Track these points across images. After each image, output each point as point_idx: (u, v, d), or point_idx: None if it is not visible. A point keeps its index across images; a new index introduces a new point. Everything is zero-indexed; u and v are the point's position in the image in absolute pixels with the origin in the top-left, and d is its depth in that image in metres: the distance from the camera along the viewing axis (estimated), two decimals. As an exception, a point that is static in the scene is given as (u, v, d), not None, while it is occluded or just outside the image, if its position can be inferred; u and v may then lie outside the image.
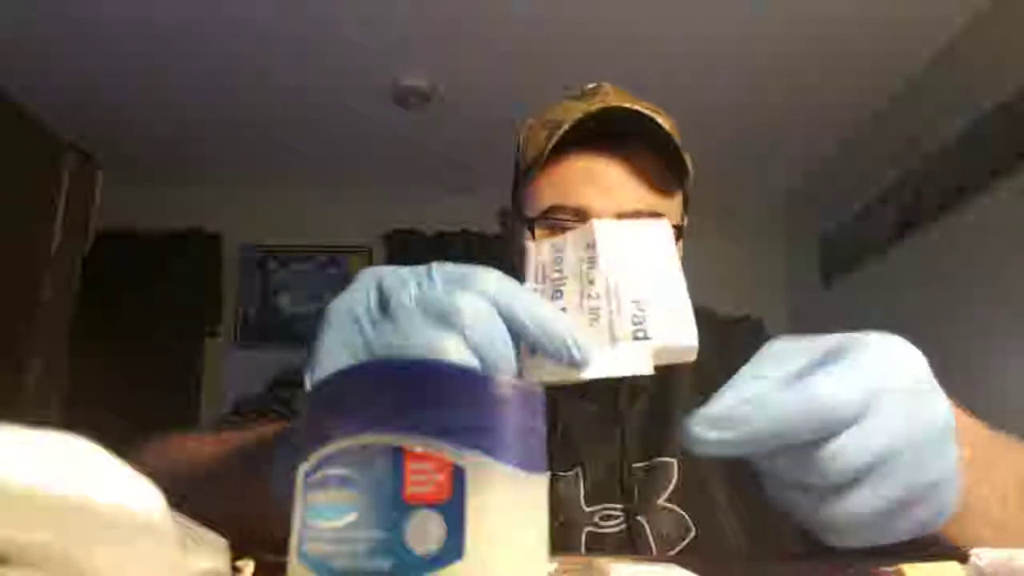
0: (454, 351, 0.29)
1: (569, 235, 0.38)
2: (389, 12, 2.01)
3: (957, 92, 2.01)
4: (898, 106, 2.34)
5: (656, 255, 0.35)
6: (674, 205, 0.66)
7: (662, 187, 0.64)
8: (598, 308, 0.33)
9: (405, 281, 0.33)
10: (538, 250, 0.38)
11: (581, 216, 0.62)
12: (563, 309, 0.34)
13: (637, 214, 0.61)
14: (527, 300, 0.31)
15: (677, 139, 0.63)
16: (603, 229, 0.37)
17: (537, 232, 0.63)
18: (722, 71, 2.24)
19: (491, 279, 0.31)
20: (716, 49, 2.14)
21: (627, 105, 0.61)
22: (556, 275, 0.35)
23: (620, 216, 0.61)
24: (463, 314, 0.30)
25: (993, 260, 1.85)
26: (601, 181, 0.63)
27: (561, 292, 0.34)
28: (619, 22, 2.03)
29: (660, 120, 0.61)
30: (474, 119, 2.47)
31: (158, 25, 2.05)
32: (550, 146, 0.62)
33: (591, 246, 0.36)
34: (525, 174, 0.67)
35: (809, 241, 2.90)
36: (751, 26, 2.03)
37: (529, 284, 0.36)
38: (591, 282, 0.34)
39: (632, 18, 2.01)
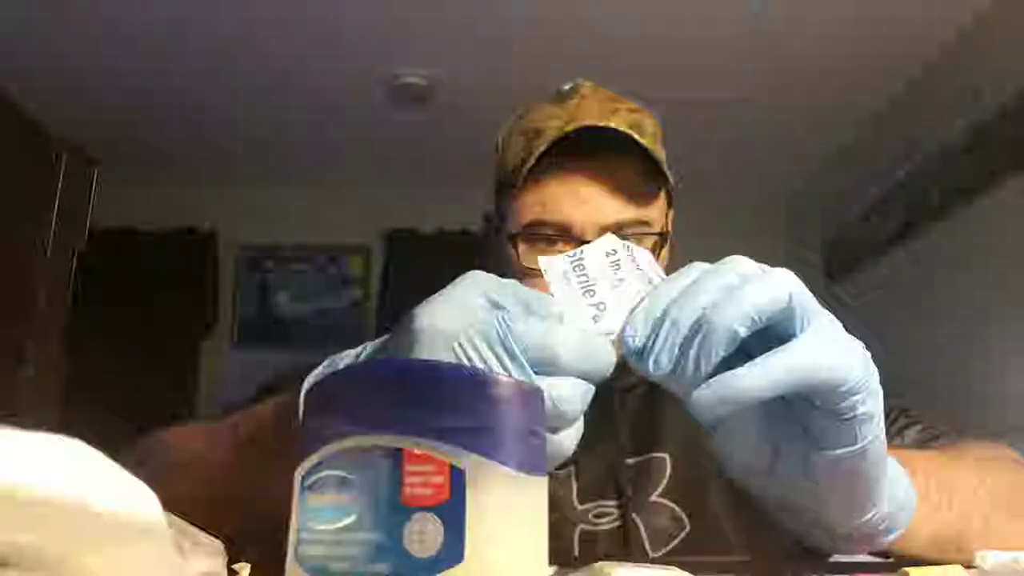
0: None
1: (584, 248, 0.41)
2: (388, 11, 2.01)
3: (958, 93, 2.01)
4: (899, 107, 2.34)
5: (652, 267, 0.40)
6: (656, 210, 0.67)
7: (643, 195, 0.65)
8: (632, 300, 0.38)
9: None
10: (552, 263, 0.41)
11: (563, 230, 0.63)
12: (601, 303, 0.37)
13: (619, 225, 0.63)
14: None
15: (658, 139, 0.64)
16: (616, 242, 0.41)
17: (520, 246, 0.65)
18: (722, 71, 2.24)
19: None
20: (716, 49, 2.14)
21: (602, 124, 0.62)
22: (583, 279, 0.39)
23: (603, 229, 0.62)
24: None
25: (994, 260, 1.85)
26: (581, 196, 0.63)
27: (594, 291, 0.38)
28: (619, 22, 2.03)
29: (635, 135, 0.62)
30: (474, 119, 2.46)
31: (157, 25, 2.04)
32: (528, 165, 0.63)
33: (611, 252, 0.40)
34: (505, 186, 0.68)
35: (810, 242, 2.90)
36: (751, 26, 2.03)
37: (556, 287, 0.39)
38: (621, 280, 0.38)
39: (632, 18, 2.01)
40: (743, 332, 0.32)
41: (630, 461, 0.65)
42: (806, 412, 0.35)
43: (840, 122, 2.51)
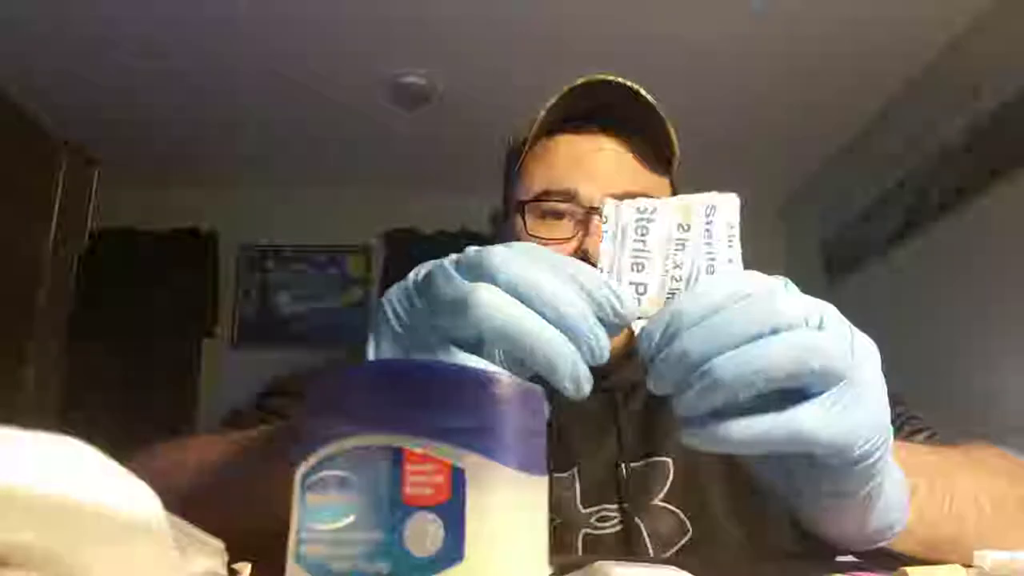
0: (487, 293, 0.30)
1: (660, 205, 0.37)
2: (389, 11, 2.01)
3: (958, 92, 2.01)
4: (899, 106, 2.34)
5: (727, 234, 0.36)
6: (663, 188, 0.66)
7: (649, 167, 0.64)
8: (676, 290, 0.34)
9: (446, 256, 0.35)
10: (619, 211, 0.37)
11: (571, 199, 0.62)
12: (644, 284, 0.34)
13: (626, 196, 0.61)
14: (565, 259, 0.33)
15: (667, 121, 0.63)
16: (698, 210, 0.36)
17: (528, 216, 0.63)
18: (722, 71, 2.24)
19: (529, 244, 0.33)
20: (716, 49, 2.14)
21: (611, 78, 0.61)
22: (638, 245, 0.35)
23: (610, 198, 0.61)
24: (493, 261, 0.31)
25: (994, 260, 1.85)
26: (590, 163, 0.63)
27: (643, 266, 0.35)
28: (619, 22, 2.03)
29: (645, 93, 0.62)
30: (474, 119, 2.47)
31: (157, 25, 2.05)
32: (538, 123, 0.63)
33: (684, 228, 0.35)
34: (516, 160, 0.68)
35: (810, 242, 2.90)
36: (751, 26, 2.03)
37: (606, 243, 0.36)
38: (677, 266, 0.34)
39: (632, 18, 2.01)
40: (744, 396, 0.31)
41: (633, 464, 0.65)
42: (807, 458, 0.34)
43: (840, 122, 2.51)
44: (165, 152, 2.78)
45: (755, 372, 0.30)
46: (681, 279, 0.34)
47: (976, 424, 1.70)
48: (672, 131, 0.63)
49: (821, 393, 0.32)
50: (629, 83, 0.61)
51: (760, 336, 0.31)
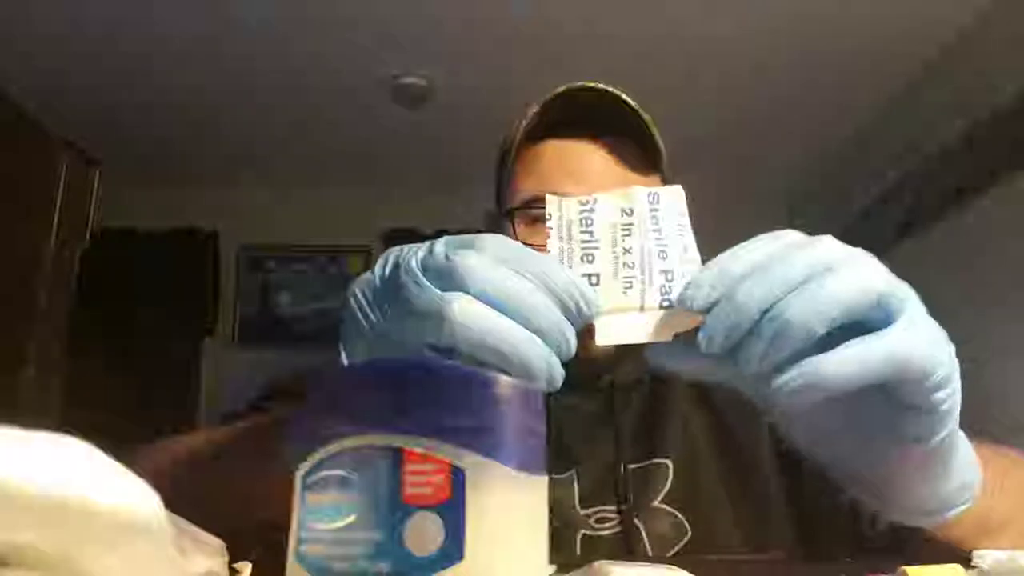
0: (460, 305, 0.30)
1: (599, 196, 0.37)
2: (388, 11, 2.01)
3: (957, 93, 2.01)
4: (898, 107, 2.34)
5: (677, 223, 0.36)
6: (653, 186, 0.66)
7: (638, 170, 0.64)
8: (632, 277, 0.33)
9: (413, 249, 0.34)
10: (562, 206, 0.36)
11: None
12: (596, 275, 0.33)
13: None
14: (531, 257, 0.32)
15: (650, 123, 0.63)
16: (640, 196, 0.36)
17: (519, 223, 0.64)
18: (723, 71, 2.24)
19: (495, 239, 0.33)
20: (716, 49, 2.14)
21: (592, 84, 0.62)
22: (585, 237, 0.35)
23: None
24: (464, 270, 0.31)
25: (994, 260, 1.85)
26: (577, 168, 0.64)
27: (593, 256, 0.34)
28: (618, 22, 2.03)
29: (626, 97, 0.62)
30: (474, 119, 2.47)
31: (157, 25, 2.05)
32: (523, 130, 0.63)
33: (627, 212, 0.35)
34: (505, 166, 0.68)
35: (809, 241, 2.90)
36: (750, 26, 2.03)
37: (553, 240, 0.35)
38: (627, 251, 0.34)
39: (631, 18, 2.01)
40: (821, 331, 0.29)
41: (632, 466, 0.65)
42: (883, 403, 0.33)
43: (840, 122, 2.51)
44: (165, 152, 2.77)
45: (826, 304, 0.29)
46: (634, 265, 0.33)
47: (976, 424, 1.69)
48: (655, 131, 0.64)
49: (882, 326, 0.31)
50: (611, 88, 0.62)
51: (816, 275, 0.30)
